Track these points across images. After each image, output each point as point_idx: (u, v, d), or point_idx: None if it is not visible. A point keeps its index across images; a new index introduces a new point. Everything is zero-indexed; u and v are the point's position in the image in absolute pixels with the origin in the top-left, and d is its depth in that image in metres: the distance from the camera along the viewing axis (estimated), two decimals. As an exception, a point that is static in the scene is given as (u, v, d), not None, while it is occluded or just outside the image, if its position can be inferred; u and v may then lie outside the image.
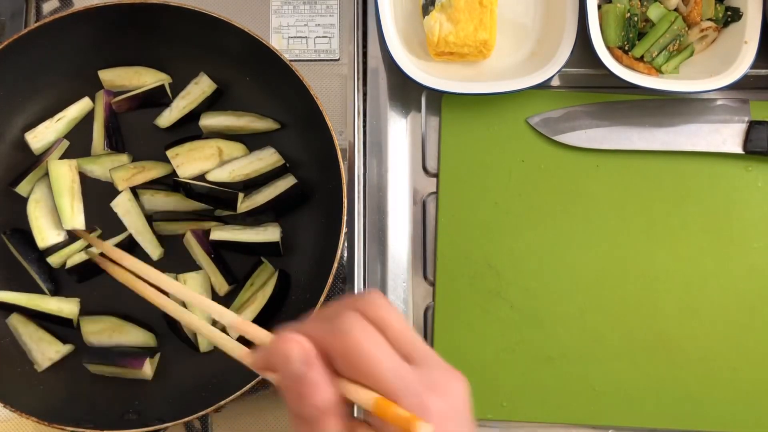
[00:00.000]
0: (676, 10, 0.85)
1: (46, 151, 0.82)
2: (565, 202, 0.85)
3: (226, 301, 0.79)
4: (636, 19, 0.84)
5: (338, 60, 0.89)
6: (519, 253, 0.84)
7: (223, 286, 0.79)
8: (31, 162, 0.81)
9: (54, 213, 0.80)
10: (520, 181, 0.85)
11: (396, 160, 0.88)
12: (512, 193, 0.85)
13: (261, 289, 0.79)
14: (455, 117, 0.87)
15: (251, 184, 0.81)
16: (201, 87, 0.83)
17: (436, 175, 0.87)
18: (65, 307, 0.79)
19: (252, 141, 0.83)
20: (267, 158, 0.81)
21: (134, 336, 0.78)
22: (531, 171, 0.86)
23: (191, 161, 0.80)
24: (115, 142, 0.82)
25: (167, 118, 0.83)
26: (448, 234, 0.84)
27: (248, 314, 0.77)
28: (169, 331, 0.79)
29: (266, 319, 0.77)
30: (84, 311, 0.80)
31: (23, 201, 0.81)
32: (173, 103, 0.83)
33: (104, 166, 0.82)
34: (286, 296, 0.79)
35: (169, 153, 0.80)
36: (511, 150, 0.86)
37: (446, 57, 0.87)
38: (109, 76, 0.84)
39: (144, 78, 0.84)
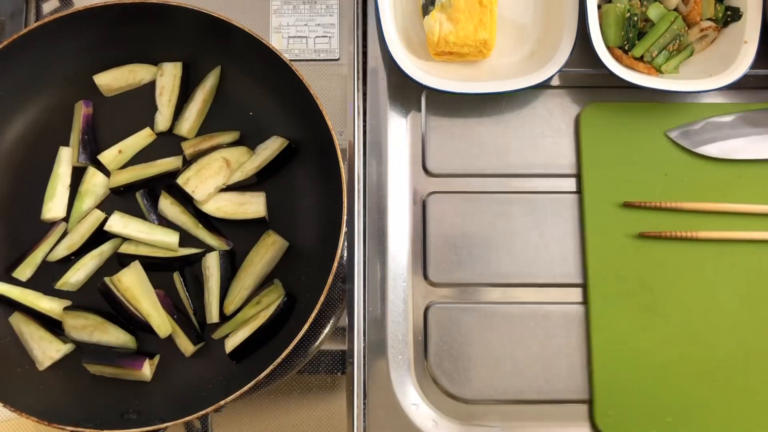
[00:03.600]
0: (676, 9, 0.85)
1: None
2: (710, 213, 0.85)
3: (229, 316, 0.80)
4: (636, 18, 0.84)
5: (338, 60, 0.89)
6: (671, 267, 0.84)
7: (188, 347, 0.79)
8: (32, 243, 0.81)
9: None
10: (665, 195, 0.85)
11: (396, 160, 0.88)
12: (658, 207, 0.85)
13: (266, 308, 0.78)
14: (595, 130, 0.87)
15: (265, 171, 0.81)
16: (171, 72, 0.83)
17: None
18: (57, 307, 0.79)
19: (253, 143, 0.83)
20: (272, 145, 0.82)
21: (115, 336, 0.78)
22: (674, 184, 0.85)
23: (203, 181, 0.81)
24: (90, 155, 0.82)
25: (162, 122, 0.84)
26: (597, 252, 0.84)
27: (246, 332, 0.77)
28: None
29: (264, 338, 0.77)
30: (71, 306, 0.80)
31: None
32: (158, 105, 0.84)
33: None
34: (287, 319, 0.79)
35: (180, 181, 0.80)
36: (653, 164, 0.86)
37: (446, 57, 0.87)
38: (105, 80, 0.84)
39: (139, 75, 0.84)
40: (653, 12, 0.85)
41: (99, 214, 0.81)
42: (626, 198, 0.85)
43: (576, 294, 0.85)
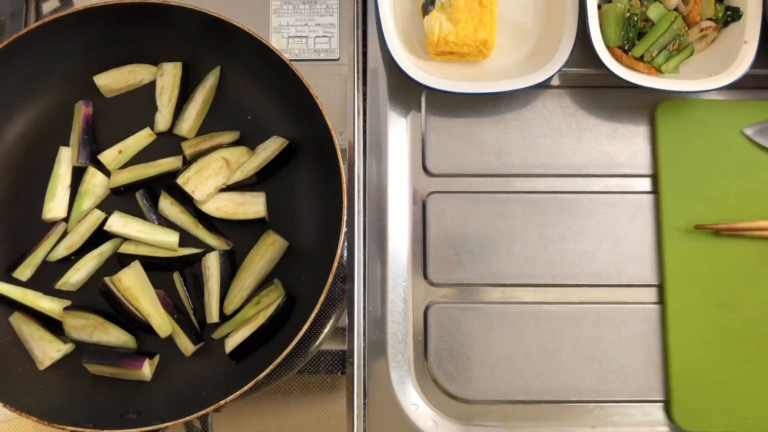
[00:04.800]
0: (676, 9, 0.85)
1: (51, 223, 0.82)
2: None
3: (229, 316, 0.80)
4: (636, 18, 0.84)
5: (338, 60, 0.89)
6: (747, 264, 0.84)
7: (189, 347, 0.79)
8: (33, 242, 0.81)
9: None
10: (742, 193, 0.85)
11: (396, 159, 0.88)
12: (735, 205, 0.85)
13: (266, 308, 0.78)
14: (671, 129, 0.87)
15: (265, 171, 0.81)
16: (171, 72, 0.83)
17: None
18: (57, 307, 0.79)
19: (253, 143, 0.83)
20: (272, 145, 0.82)
21: (115, 336, 0.78)
22: (752, 182, 0.85)
23: (203, 181, 0.80)
24: (90, 155, 0.82)
25: (162, 122, 0.84)
26: (674, 251, 0.84)
27: (246, 331, 0.77)
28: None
29: (264, 338, 0.77)
30: (71, 306, 0.80)
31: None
32: (158, 105, 0.84)
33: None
34: (287, 319, 0.79)
35: (180, 181, 0.80)
36: (729, 161, 0.86)
37: (446, 57, 0.87)
38: (105, 80, 0.84)
39: (139, 75, 0.84)
40: (653, 12, 0.85)
41: (99, 214, 0.81)
42: (703, 195, 0.85)
43: (576, 294, 0.85)
